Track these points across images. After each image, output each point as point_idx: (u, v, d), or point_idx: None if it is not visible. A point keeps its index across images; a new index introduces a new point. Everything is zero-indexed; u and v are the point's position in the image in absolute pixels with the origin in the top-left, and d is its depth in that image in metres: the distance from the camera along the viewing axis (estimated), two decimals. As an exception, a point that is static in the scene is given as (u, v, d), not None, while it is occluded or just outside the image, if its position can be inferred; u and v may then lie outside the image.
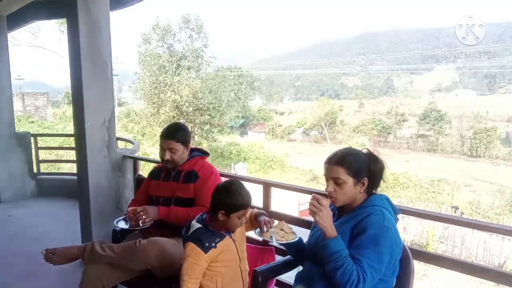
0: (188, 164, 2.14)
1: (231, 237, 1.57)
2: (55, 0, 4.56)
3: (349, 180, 1.43)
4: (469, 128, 31.02)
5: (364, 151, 1.53)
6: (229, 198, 1.49)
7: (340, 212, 1.54)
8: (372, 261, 1.29)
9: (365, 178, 1.45)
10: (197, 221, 1.56)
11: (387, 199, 1.49)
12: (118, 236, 2.16)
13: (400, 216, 1.56)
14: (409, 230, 12.15)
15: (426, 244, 11.71)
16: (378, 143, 33.46)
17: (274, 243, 1.57)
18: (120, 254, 1.80)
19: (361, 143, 25.68)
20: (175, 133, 2.11)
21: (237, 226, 1.55)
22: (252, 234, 2.49)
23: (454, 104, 38.78)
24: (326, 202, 1.40)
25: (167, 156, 2.09)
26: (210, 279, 1.54)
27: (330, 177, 1.47)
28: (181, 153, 2.12)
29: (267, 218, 1.66)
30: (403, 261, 1.44)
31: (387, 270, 1.36)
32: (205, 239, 1.50)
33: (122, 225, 2.01)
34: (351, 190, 1.45)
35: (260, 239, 1.68)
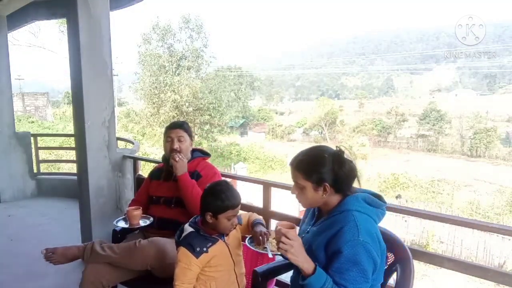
0: (190, 165, 2.14)
1: (224, 241, 1.55)
2: (55, 0, 4.56)
3: (308, 185, 1.35)
4: (469, 128, 31.01)
5: (335, 148, 1.39)
6: (214, 199, 1.48)
7: (318, 214, 1.48)
8: (358, 282, 1.24)
9: (326, 184, 1.33)
10: (190, 225, 1.55)
11: (365, 198, 1.37)
12: (118, 236, 2.17)
13: (400, 216, 1.54)
14: (409, 230, 12.14)
15: (426, 244, 11.70)
16: (378, 143, 33.48)
17: (270, 255, 1.49)
18: (120, 254, 1.80)
19: (361, 143, 25.70)
20: (182, 124, 2.16)
21: (228, 227, 1.52)
22: (252, 234, 2.48)
23: (454, 104, 38.78)
24: (293, 233, 1.28)
25: (176, 145, 2.09)
26: (204, 283, 1.52)
27: (292, 179, 1.41)
28: (188, 144, 2.14)
29: (264, 230, 1.61)
30: (403, 261, 1.44)
31: (374, 280, 1.31)
32: (196, 243, 1.48)
33: (122, 224, 2.01)
34: (312, 195, 1.36)
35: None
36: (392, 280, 1.48)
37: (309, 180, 1.35)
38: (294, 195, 1.44)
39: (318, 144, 1.48)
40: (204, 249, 1.48)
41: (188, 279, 1.47)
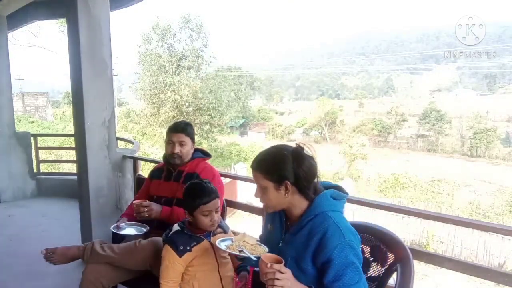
0: (190, 166, 2.14)
1: (209, 241, 1.56)
2: (55, 0, 4.56)
3: (269, 185, 1.32)
4: (469, 128, 31.02)
5: (293, 145, 1.38)
6: (187, 198, 1.53)
7: (287, 220, 1.42)
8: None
9: (287, 182, 1.30)
10: (178, 224, 1.58)
11: (332, 194, 1.34)
12: (118, 236, 2.16)
13: (400, 216, 1.54)
14: (409, 230, 12.14)
15: (426, 244, 11.70)
16: (378, 143, 33.49)
17: (253, 258, 1.32)
18: (120, 254, 1.80)
19: (361, 143, 25.69)
20: (185, 127, 2.15)
21: (207, 224, 1.53)
22: (253, 233, 2.48)
23: (454, 104, 38.75)
24: (283, 266, 1.19)
25: (177, 149, 2.10)
26: (187, 283, 1.54)
27: (255, 182, 1.38)
28: (189, 148, 2.15)
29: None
30: (403, 261, 1.44)
31: None
32: (180, 242, 1.51)
33: (117, 230, 1.99)
34: (275, 195, 1.33)
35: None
36: (392, 280, 1.48)
37: (270, 180, 1.32)
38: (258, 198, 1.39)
39: (278, 144, 1.45)
40: (188, 248, 1.51)
41: (171, 277, 1.50)
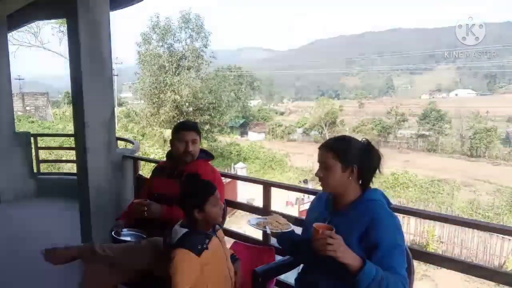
0: (193, 165, 2.14)
1: (216, 236, 1.58)
2: (55, 0, 4.56)
3: (337, 165, 1.39)
4: (469, 128, 31.04)
5: (363, 140, 1.47)
6: (192, 194, 1.53)
7: (335, 205, 1.48)
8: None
9: (355, 166, 1.39)
10: (181, 226, 1.55)
11: (382, 194, 1.45)
12: (118, 241, 2.15)
13: (400, 216, 1.56)
14: (409, 230, 12.13)
15: (426, 244, 11.70)
16: (378, 143, 33.50)
17: (268, 231, 1.60)
18: (120, 254, 1.80)
19: (361, 143, 25.67)
20: (196, 126, 2.18)
21: (218, 213, 1.56)
22: (252, 233, 2.48)
23: (454, 104, 38.75)
24: (334, 233, 1.26)
25: (191, 147, 2.10)
26: (201, 286, 1.49)
27: (319, 161, 1.46)
28: (198, 146, 2.15)
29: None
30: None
31: None
32: (197, 241, 1.48)
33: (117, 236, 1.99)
34: (339, 175, 1.40)
35: (257, 230, 1.71)
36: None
37: (339, 160, 1.39)
38: (318, 178, 1.48)
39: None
40: (205, 245, 1.49)
41: (188, 281, 1.43)
